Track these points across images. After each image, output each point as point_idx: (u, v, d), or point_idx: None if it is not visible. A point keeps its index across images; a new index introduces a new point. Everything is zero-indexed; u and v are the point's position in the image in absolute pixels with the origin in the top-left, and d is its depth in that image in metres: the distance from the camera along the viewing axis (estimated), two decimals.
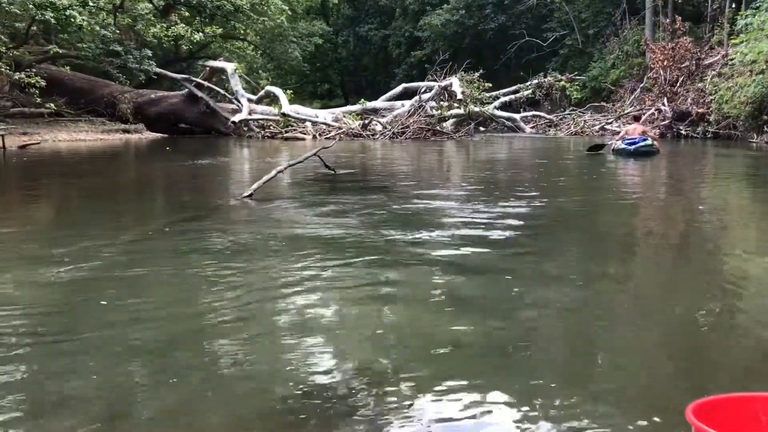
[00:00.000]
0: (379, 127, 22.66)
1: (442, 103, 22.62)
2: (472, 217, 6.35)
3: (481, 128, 28.63)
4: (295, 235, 5.43)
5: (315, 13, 50.63)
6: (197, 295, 3.75)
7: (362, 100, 27.32)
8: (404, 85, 28.74)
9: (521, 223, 6.09)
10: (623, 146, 14.64)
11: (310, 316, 3.41)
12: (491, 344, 2.95)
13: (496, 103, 29.44)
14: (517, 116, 28.76)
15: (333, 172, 9.10)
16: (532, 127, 28.60)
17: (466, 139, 22.33)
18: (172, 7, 20.99)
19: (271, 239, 5.24)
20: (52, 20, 15.63)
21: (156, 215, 6.07)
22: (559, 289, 3.84)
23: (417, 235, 5.36)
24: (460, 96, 21.83)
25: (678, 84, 24.04)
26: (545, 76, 31.97)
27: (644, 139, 14.52)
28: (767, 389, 1.89)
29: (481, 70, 25.48)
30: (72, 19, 15.82)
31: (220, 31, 22.01)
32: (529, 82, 31.83)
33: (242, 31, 24.93)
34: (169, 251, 4.73)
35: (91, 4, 16.47)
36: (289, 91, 24.10)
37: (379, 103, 27.28)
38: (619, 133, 17.02)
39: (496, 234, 5.53)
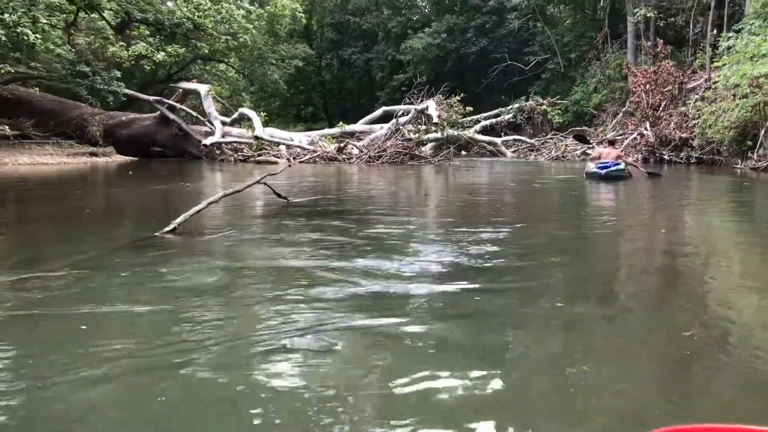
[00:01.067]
0: (355, 151, 22.05)
1: (419, 126, 22.04)
2: (441, 249, 5.75)
3: (463, 152, 28.17)
4: (217, 272, 4.69)
5: (298, 36, 50.31)
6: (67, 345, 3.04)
7: (341, 123, 26.73)
8: (384, 108, 28.28)
9: (497, 253, 5.54)
10: (594, 170, 14.49)
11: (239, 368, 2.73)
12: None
13: (477, 127, 29.02)
14: (498, 140, 28.31)
15: (285, 200, 8.34)
16: (513, 152, 28.16)
17: (445, 164, 21.72)
18: (127, 25, 20.20)
19: (181, 280, 4.51)
20: (3, 37, 14.88)
21: (56, 254, 5.28)
22: (538, 321, 3.62)
23: (375, 269, 4.73)
24: (435, 119, 21.27)
25: (660, 108, 23.63)
26: (527, 100, 31.61)
27: (616, 164, 14.41)
28: (753, 420, 1.76)
29: (462, 94, 25.06)
30: (24, 37, 15.07)
31: (183, 50, 21.26)
32: (510, 106, 31.46)
33: (206, 51, 24.24)
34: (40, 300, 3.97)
35: (43, 21, 15.67)
36: (263, 113, 23.43)
37: (358, 126, 26.76)
38: (592, 155, 16.73)
39: (467, 267, 4.95)
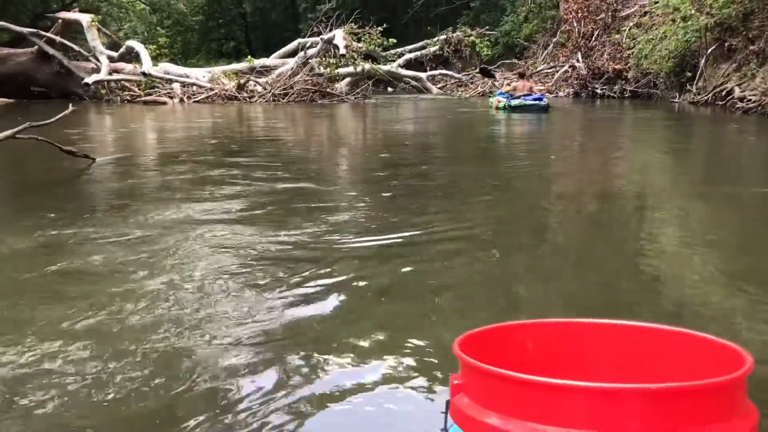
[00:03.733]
0: (259, 88, 19.64)
1: (329, 60, 19.69)
2: (359, 198, 5.34)
3: (389, 89, 26.04)
4: None
5: None
6: None
7: (249, 57, 24.12)
8: (299, 40, 25.68)
9: (419, 200, 5.27)
10: (531, 102, 14.17)
11: None
12: None
13: (400, 60, 26.73)
14: (423, 75, 26.14)
15: (90, 159, 6.08)
16: (440, 88, 26.10)
17: (362, 102, 19.61)
18: None
19: None
20: None
21: None
22: (470, 260, 3.59)
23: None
24: (342, 50, 18.94)
25: (593, 38, 21.94)
26: (454, 31, 29.37)
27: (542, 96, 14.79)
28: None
29: (386, 25, 22.79)
30: None
31: None
32: (436, 38, 29.19)
33: None
34: None
35: None
36: (152, 47, 20.70)
37: (269, 60, 24.16)
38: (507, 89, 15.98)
39: (390, 220, 4.55)
